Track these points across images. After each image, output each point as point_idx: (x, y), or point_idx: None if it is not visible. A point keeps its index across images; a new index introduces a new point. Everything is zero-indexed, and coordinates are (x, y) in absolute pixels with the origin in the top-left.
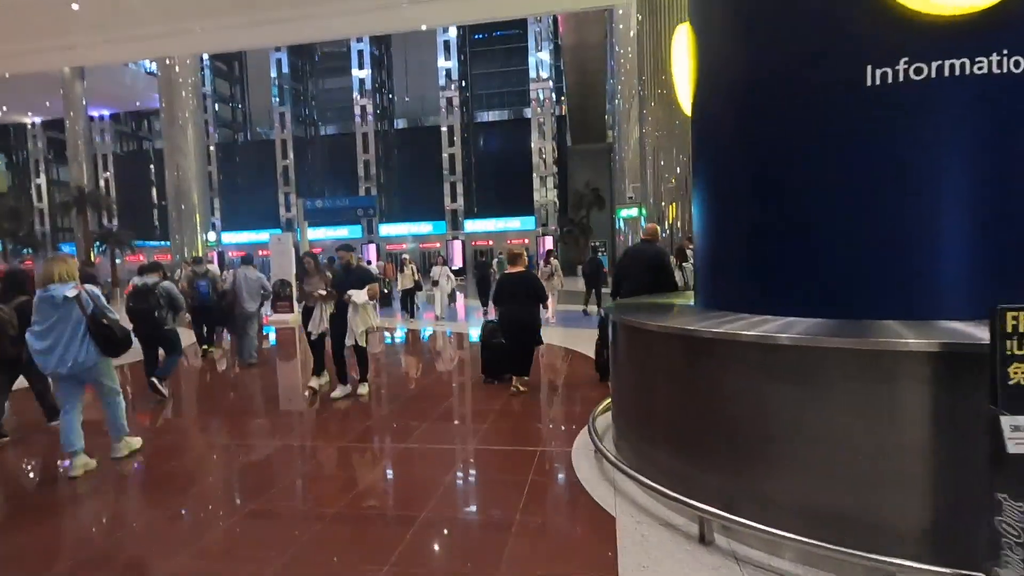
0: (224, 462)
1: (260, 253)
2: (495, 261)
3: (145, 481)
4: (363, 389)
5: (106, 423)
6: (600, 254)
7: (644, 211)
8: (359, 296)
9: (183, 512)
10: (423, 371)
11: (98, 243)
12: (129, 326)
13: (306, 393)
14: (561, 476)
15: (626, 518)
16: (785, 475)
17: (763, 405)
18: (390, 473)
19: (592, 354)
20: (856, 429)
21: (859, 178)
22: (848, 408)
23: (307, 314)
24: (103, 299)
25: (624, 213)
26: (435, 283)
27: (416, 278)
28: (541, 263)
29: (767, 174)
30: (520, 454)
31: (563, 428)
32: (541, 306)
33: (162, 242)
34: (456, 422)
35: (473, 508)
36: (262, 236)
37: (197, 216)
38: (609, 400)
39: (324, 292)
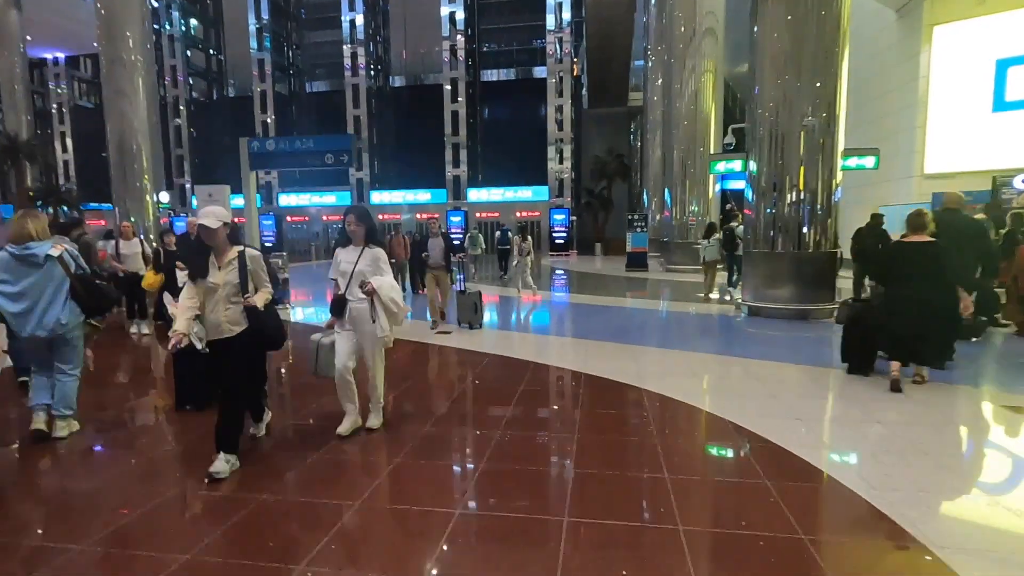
0: None
1: (237, 220)
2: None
3: None
4: None
5: (55, 398)
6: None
7: (751, 162)
8: None
9: None
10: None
11: (39, 202)
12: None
13: None
14: None
15: None
16: None
17: None
18: None
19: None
20: None
21: None
22: None
23: None
24: (81, 258)
25: (721, 167)
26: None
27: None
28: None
29: None
30: None
31: None
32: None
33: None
34: None
35: None
36: (238, 201)
37: (146, 176)
38: None
39: None
